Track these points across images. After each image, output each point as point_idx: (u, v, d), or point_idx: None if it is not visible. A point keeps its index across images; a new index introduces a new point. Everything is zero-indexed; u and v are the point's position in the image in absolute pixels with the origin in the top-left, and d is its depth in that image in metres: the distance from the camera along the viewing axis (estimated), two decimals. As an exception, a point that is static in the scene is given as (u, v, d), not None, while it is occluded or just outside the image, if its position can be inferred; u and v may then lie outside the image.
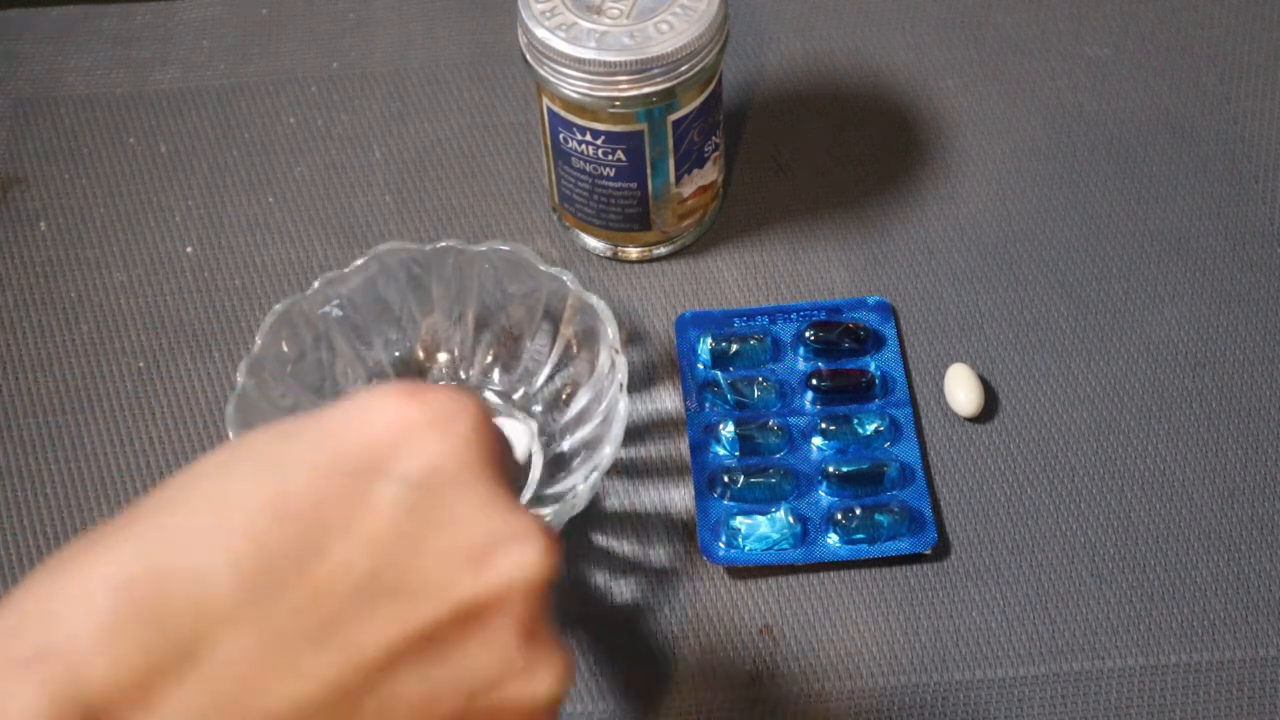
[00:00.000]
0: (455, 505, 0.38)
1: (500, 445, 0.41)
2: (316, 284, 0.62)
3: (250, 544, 0.35)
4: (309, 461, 0.37)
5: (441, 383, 0.39)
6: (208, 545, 0.35)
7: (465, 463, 0.38)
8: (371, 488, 0.37)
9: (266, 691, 0.34)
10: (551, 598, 0.39)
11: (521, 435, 0.56)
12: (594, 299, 0.61)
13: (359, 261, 0.63)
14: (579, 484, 0.58)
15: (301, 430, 0.38)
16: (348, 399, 0.39)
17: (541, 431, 0.64)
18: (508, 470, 0.41)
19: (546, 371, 0.64)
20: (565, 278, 0.62)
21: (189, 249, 0.72)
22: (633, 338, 0.68)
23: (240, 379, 0.60)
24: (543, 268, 0.62)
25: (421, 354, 0.65)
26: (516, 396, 0.65)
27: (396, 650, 0.36)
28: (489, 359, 0.65)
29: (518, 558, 0.38)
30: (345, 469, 0.37)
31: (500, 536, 0.38)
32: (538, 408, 0.64)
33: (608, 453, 0.58)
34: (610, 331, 0.61)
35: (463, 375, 0.65)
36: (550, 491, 0.62)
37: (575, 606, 0.60)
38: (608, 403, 0.60)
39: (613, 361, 0.60)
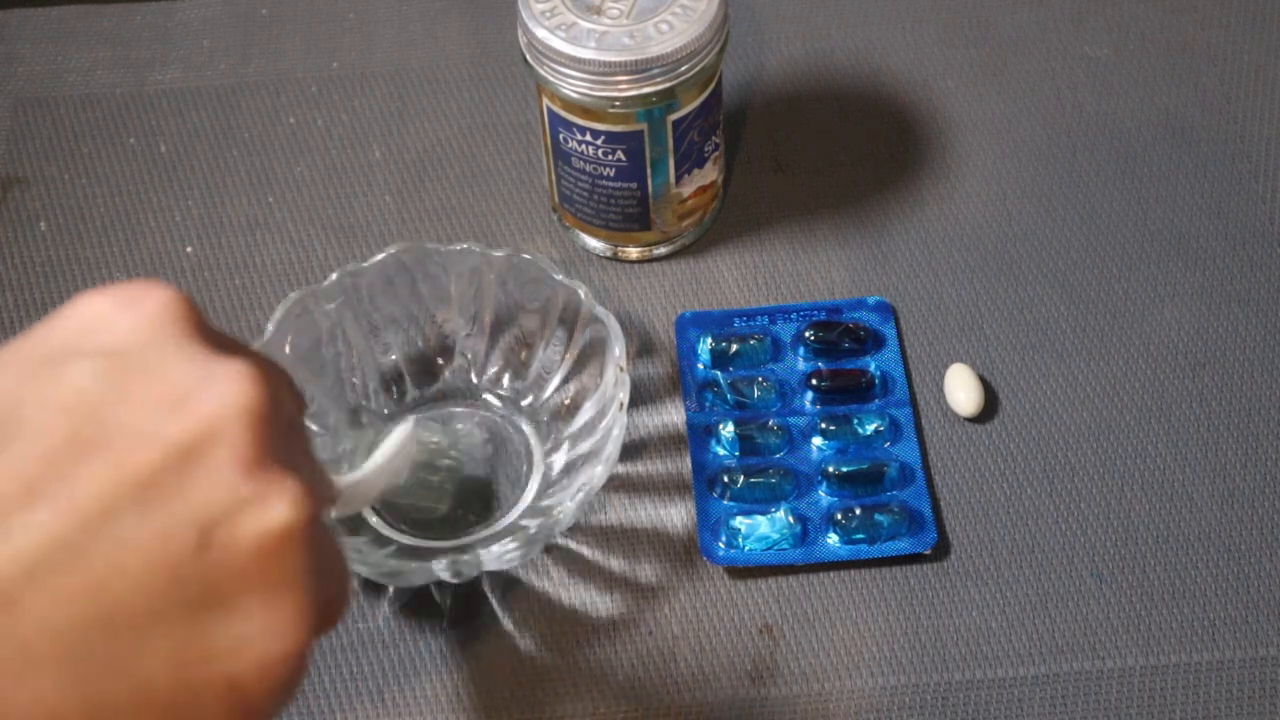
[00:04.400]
0: (150, 363, 0.39)
1: (192, 315, 0.41)
2: (334, 275, 0.62)
3: None
4: (4, 362, 0.39)
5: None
6: None
7: (159, 331, 0.39)
8: (64, 366, 0.38)
9: None
10: (279, 428, 0.39)
11: (394, 444, 0.56)
12: (604, 313, 0.61)
13: (379, 257, 0.63)
14: (566, 500, 0.58)
15: (9, 343, 0.40)
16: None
17: (545, 440, 0.64)
18: (219, 342, 0.42)
19: (556, 381, 0.64)
20: (580, 291, 0.62)
21: (189, 249, 0.72)
22: (637, 346, 0.68)
23: None
24: (558, 278, 0.62)
25: (434, 353, 0.65)
26: (525, 403, 0.65)
27: (112, 497, 0.36)
28: (501, 364, 0.65)
29: (221, 392, 0.38)
30: (38, 358, 0.38)
31: (200, 379, 0.38)
32: (545, 417, 0.64)
33: (599, 472, 0.58)
34: (617, 349, 0.60)
35: (474, 379, 0.65)
36: (543, 504, 0.62)
37: (574, 606, 0.61)
38: (608, 420, 0.60)
39: (616, 379, 0.60)
